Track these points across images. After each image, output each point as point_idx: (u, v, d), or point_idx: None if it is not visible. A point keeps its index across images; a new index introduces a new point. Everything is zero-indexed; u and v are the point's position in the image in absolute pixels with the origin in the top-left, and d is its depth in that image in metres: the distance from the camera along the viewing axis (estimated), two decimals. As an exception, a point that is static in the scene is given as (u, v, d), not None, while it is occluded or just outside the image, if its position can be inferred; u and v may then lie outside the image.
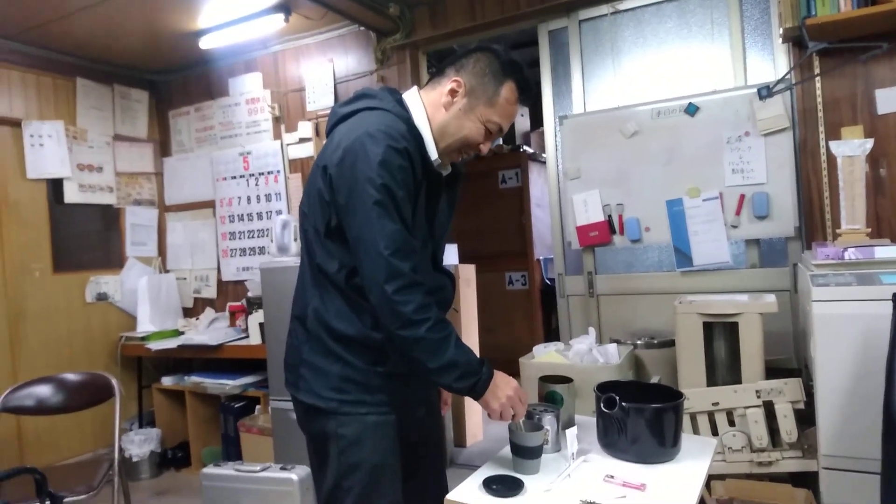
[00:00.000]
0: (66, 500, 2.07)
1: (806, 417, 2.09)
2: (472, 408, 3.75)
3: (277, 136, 3.91)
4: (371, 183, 1.22)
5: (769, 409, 2.09)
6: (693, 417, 2.16)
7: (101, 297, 3.95)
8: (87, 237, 3.94)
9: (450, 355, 1.25)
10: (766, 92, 2.52)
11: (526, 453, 1.38)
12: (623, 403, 1.42)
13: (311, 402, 1.38)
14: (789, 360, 2.58)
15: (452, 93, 1.35)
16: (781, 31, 2.47)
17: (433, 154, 1.36)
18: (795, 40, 2.57)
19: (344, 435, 1.34)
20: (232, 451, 3.43)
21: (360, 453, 1.35)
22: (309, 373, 1.38)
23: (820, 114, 2.57)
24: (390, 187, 1.23)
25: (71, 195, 3.81)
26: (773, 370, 2.27)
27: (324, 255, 1.35)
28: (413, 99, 1.39)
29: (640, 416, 1.41)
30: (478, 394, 1.30)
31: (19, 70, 3.60)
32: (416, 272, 1.25)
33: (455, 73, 1.36)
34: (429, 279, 1.37)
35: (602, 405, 1.46)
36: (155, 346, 3.63)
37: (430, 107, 1.38)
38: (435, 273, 1.44)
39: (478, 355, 1.33)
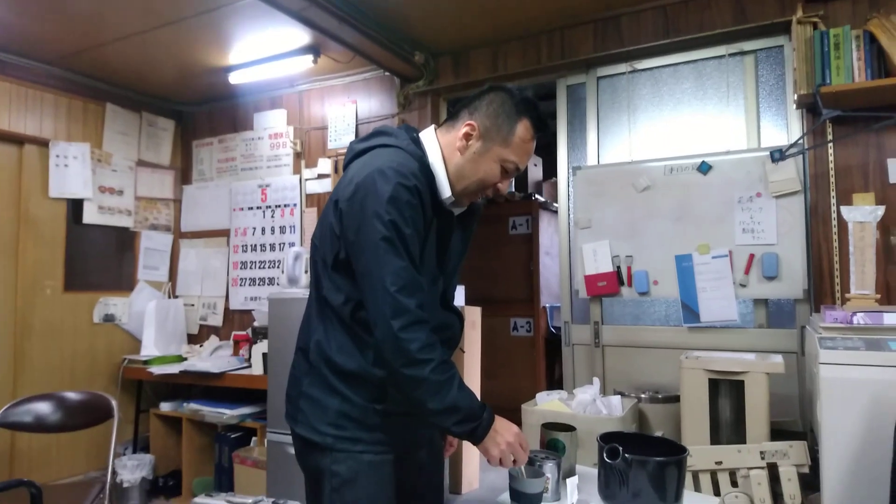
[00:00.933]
0: (55, 520, 2.04)
1: (810, 482, 2.05)
2: (470, 454, 3.69)
3: (297, 170, 3.99)
4: (379, 219, 1.22)
5: (773, 471, 2.05)
6: (695, 475, 2.13)
7: (108, 318, 3.97)
8: (100, 258, 4.00)
9: (452, 398, 1.23)
10: (778, 155, 2.57)
11: (525, 500, 1.36)
12: (626, 455, 1.40)
13: (307, 435, 1.36)
14: (795, 423, 2.54)
15: (467, 136, 1.36)
16: (796, 97, 2.53)
17: (445, 192, 1.36)
18: (809, 107, 2.62)
19: (338, 472, 1.32)
20: (224, 482, 3.38)
21: (354, 493, 1.32)
22: (308, 406, 1.37)
23: (832, 179, 2.60)
24: (398, 224, 1.23)
25: (90, 216, 3.88)
26: (778, 432, 2.24)
27: (330, 288, 1.34)
28: (429, 138, 1.40)
29: (643, 469, 1.39)
30: (477, 439, 1.27)
31: (53, 93, 3.73)
32: (423, 309, 1.24)
33: (469, 117, 1.37)
34: (436, 317, 1.36)
35: (605, 455, 1.44)
36: (157, 370, 3.62)
37: (447, 148, 1.39)
38: (443, 311, 1.43)
39: (478, 400, 1.30)
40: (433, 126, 1.44)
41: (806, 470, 2.02)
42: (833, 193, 2.60)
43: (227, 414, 3.40)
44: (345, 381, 1.34)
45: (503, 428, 1.31)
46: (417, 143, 1.38)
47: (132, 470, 3.51)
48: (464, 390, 1.25)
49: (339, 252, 1.32)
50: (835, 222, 2.59)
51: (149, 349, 3.95)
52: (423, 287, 1.28)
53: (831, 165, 2.61)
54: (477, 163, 1.36)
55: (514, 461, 1.32)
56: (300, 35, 3.30)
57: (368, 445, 1.34)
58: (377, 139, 1.38)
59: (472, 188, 1.39)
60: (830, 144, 2.60)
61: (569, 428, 1.63)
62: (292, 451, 1.44)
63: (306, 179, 3.95)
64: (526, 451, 1.34)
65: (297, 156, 4.01)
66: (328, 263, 1.35)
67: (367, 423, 1.34)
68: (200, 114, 4.48)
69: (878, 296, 2.19)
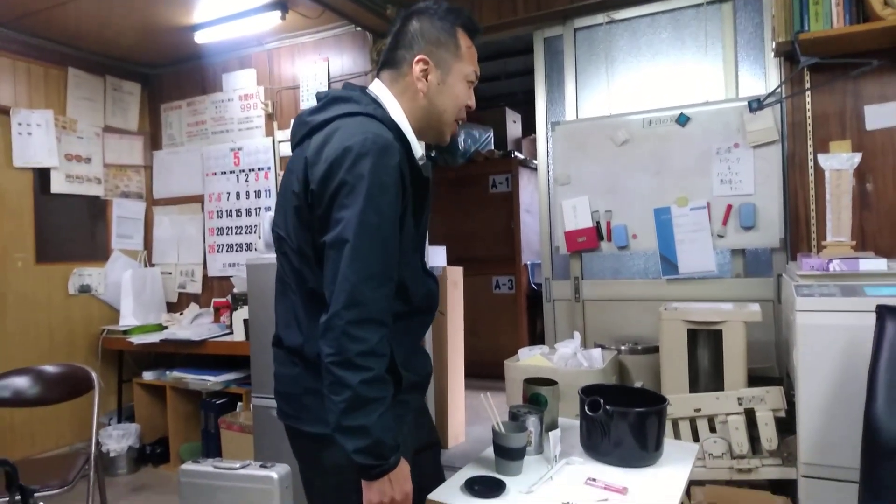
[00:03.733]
0: (38, 494, 2.03)
1: (786, 426, 2.11)
2: (455, 408, 3.74)
3: (270, 133, 3.90)
4: (368, 198, 1.11)
5: (750, 416, 2.10)
6: (675, 423, 2.17)
7: (84, 290, 3.90)
8: (72, 228, 3.90)
9: (368, 422, 1.10)
10: (756, 105, 2.55)
11: (509, 454, 1.37)
12: (607, 407, 1.42)
13: (321, 431, 1.21)
14: (771, 370, 2.60)
15: (424, 73, 1.26)
16: (774, 45, 2.50)
17: (418, 152, 1.27)
18: (787, 55, 2.60)
19: None
20: (212, 448, 3.39)
21: None
22: (316, 401, 1.21)
23: (809, 128, 2.60)
24: (382, 207, 1.13)
25: (58, 185, 3.77)
26: (755, 378, 2.29)
27: (321, 280, 1.19)
28: (385, 94, 1.29)
29: (624, 420, 1.41)
30: (369, 476, 1.14)
31: (10, 57, 3.57)
32: (384, 306, 1.14)
33: (411, 53, 1.26)
34: (420, 284, 1.32)
35: (586, 408, 1.46)
36: (137, 340, 3.59)
37: (404, 96, 1.28)
38: (425, 277, 1.36)
39: (394, 439, 1.15)
40: (377, 81, 1.31)
41: (782, 414, 2.07)
42: (810, 142, 2.60)
43: (211, 381, 3.39)
44: None
45: (398, 482, 1.16)
46: (378, 104, 1.27)
47: (118, 439, 3.51)
48: (385, 420, 1.12)
49: (316, 240, 1.20)
50: (811, 170, 2.60)
51: (128, 319, 3.90)
52: (394, 278, 1.17)
53: (808, 114, 2.60)
54: (446, 91, 1.28)
55: None
56: (266, -10, 3.18)
57: None
58: (337, 107, 1.23)
59: (450, 118, 1.32)
60: (808, 93, 2.59)
61: (550, 382, 1.64)
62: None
63: (279, 142, 3.86)
64: None
65: (269, 117, 3.91)
66: (310, 255, 1.23)
67: None
68: (167, 76, 4.33)
69: (854, 242, 2.21)
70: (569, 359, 2.43)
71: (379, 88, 1.30)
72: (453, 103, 1.30)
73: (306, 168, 1.19)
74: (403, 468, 1.17)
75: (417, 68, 1.26)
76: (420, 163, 1.28)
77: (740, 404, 2.09)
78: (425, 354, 1.43)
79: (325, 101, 1.27)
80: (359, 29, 3.54)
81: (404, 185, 1.18)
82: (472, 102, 1.34)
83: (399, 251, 1.19)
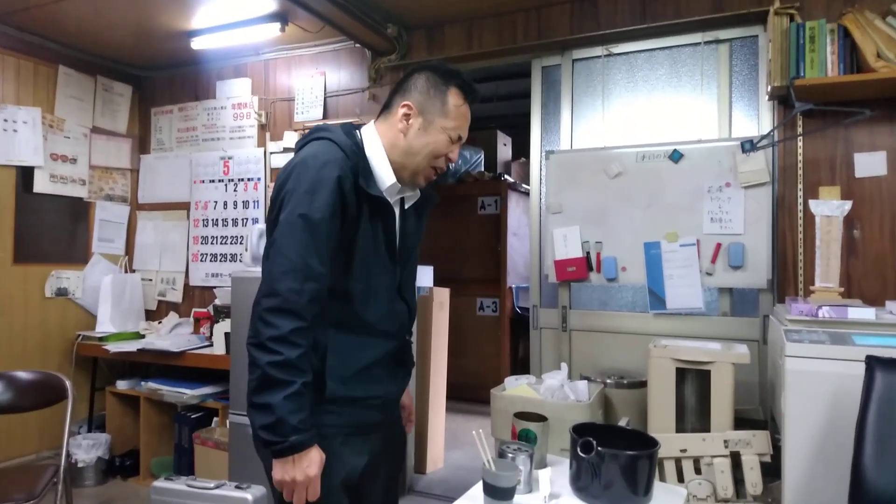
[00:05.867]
0: (3, 507, 1.96)
1: (771, 470, 2.11)
2: (435, 432, 3.70)
3: (262, 143, 3.87)
4: (295, 203, 1.26)
5: (735, 459, 2.10)
6: (660, 463, 2.16)
7: (61, 293, 3.81)
8: (52, 229, 3.81)
9: (273, 400, 1.21)
10: (749, 146, 2.59)
11: (499, 494, 1.35)
12: (599, 449, 1.40)
13: None
14: (756, 411, 2.61)
15: (406, 116, 1.40)
16: (769, 88, 2.54)
17: (385, 181, 1.39)
18: (781, 99, 2.65)
19: None
20: (184, 464, 3.31)
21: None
22: None
23: (800, 172, 2.64)
24: (312, 210, 1.26)
25: (41, 185, 3.69)
26: (740, 420, 2.29)
27: None
28: (368, 131, 1.44)
29: (615, 462, 1.40)
30: (275, 454, 1.24)
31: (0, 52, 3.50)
32: (302, 300, 1.23)
33: (402, 99, 1.42)
34: (383, 306, 1.41)
35: (578, 449, 1.44)
36: (113, 347, 3.50)
37: (387, 135, 1.42)
38: (391, 300, 1.44)
39: (301, 422, 1.24)
40: (372, 121, 1.48)
41: (768, 459, 2.07)
42: (800, 186, 2.64)
43: (188, 394, 3.31)
44: None
45: (302, 463, 1.24)
46: (351, 135, 1.41)
47: (87, 449, 3.41)
48: (292, 402, 1.21)
49: None
50: (800, 214, 2.64)
51: (104, 325, 3.81)
52: (320, 278, 1.27)
53: (800, 158, 2.64)
54: (422, 137, 1.40)
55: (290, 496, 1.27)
56: (267, 1, 3.16)
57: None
58: (313, 135, 1.41)
59: (423, 163, 1.42)
60: (801, 137, 2.63)
61: (541, 418, 1.63)
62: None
63: (271, 153, 3.83)
64: (301, 499, 1.27)
65: (262, 128, 3.87)
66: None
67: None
68: (160, 80, 4.28)
69: (842, 289, 2.24)
70: (555, 390, 2.42)
71: (368, 127, 1.46)
72: (428, 150, 1.41)
73: (276, 182, 1.37)
74: (311, 453, 1.25)
75: (401, 112, 1.41)
76: (389, 190, 1.40)
77: (726, 447, 2.09)
78: (385, 378, 1.46)
79: (311, 131, 1.44)
80: (358, 46, 3.54)
81: (344, 200, 1.30)
82: (454, 156, 1.45)
83: (347, 266, 1.34)
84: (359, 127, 1.47)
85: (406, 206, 1.50)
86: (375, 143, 1.42)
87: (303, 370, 1.25)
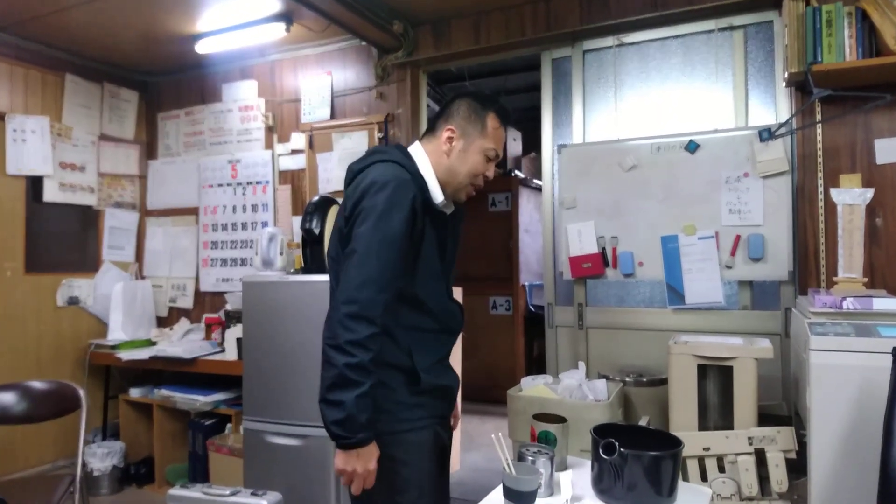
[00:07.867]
0: (21, 518, 1.94)
1: (796, 467, 2.05)
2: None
3: (269, 146, 3.84)
4: (377, 220, 1.39)
5: (760, 456, 2.04)
6: (683, 462, 2.11)
7: (73, 301, 3.81)
8: (63, 238, 3.81)
9: (346, 398, 1.32)
10: (767, 135, 2.52)
11: (521, 499, 1.31)
12: (622, 450, 1.36)
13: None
14: (779, 406, 2.54)
15: (449, 139, 1.56)
16: (786, 75, 2.47)
17: (438, 196, 1.54)
18: (799, 85, 2.58)
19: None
20: (199, 471, 3.29)
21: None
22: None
23: (820, 160, 2.57)
24: (391, 226, 1.39)
25: (50, 194, 3.69)
26: (764, 416, 2.23)
27: None
28: (417, 151, 1.59)
29: (638, 463, 1.35)
30: (341, 446, 1.37)
31: (7, 62, 3.50)
32: (378, 308, 1.36)
33: (446, 124, 1.57)
34: (444, 306, 1.56)
35: (601, 450, 1.39)
36: (126, 355, 3.49)
37: (433, 155, 1.57)
38: (447, 301, 1.59)
39: (369, 420, 1.36)
40: (417, 141, 1.63)
41: (793, 455, 2.01)
42: (820, 174, 2.57)
43: (201, 400, 3.29)
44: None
45: (364, 457, 1.38)
46: (407, 156, 1.56)
47: (102, 458, 3.40)
48: (363, 402, 1.33)
49: None
50: (821, 203, 2.56)
51: (116, 333, 3.80)
52: (391, 288, 1.40)
53: (819, 145, 2.57)
54: (463, 158, 1.56)
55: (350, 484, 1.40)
56: (271, 1, 3.13)
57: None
58: (373, 157, 1.54)
59: (464, 181, 1.58)
60: (819, 125, 2.56)
61: (560, 419, 1.58)
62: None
63: (279, 155, 3.80)
64: (359, 488, 1.39)
65: (269, 130, 3.85)
66: None
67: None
68: (166, 84, 4.27)
69: (866, 279, 2.17)
70: (573, 390, 2.37)
71: (416, 147, 1.61)
72: (468, 169, 1.57)
73: (346, 201, 1.50)
74: (373, 449, 1.39)
75: (445, 135, 1.57)
76: (441, 204, 1.56)
77: (751, 444, 2.03)
78: (451, 370, 1.65)
79: (366, 154, 1.59)
80: (364, 44, 3.50)
81: (415, 216, 1.44)
82: (490, 174, 1.61)
83: (415, 272, 1.48)
84: (405, 148, 1.61)
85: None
86: (425, 162, 1.56)
87: (372, 373, 1.36)
